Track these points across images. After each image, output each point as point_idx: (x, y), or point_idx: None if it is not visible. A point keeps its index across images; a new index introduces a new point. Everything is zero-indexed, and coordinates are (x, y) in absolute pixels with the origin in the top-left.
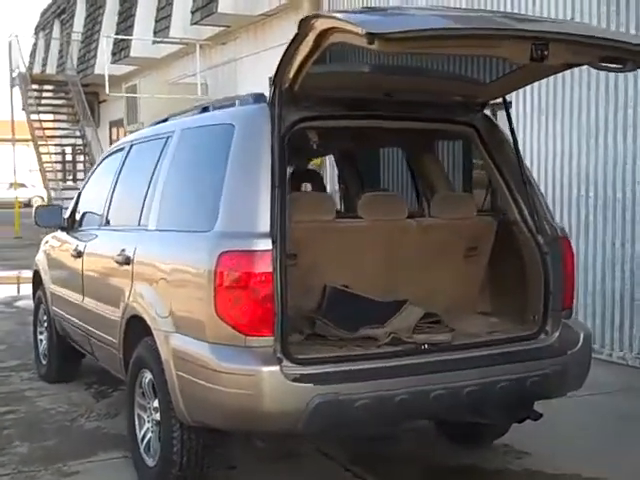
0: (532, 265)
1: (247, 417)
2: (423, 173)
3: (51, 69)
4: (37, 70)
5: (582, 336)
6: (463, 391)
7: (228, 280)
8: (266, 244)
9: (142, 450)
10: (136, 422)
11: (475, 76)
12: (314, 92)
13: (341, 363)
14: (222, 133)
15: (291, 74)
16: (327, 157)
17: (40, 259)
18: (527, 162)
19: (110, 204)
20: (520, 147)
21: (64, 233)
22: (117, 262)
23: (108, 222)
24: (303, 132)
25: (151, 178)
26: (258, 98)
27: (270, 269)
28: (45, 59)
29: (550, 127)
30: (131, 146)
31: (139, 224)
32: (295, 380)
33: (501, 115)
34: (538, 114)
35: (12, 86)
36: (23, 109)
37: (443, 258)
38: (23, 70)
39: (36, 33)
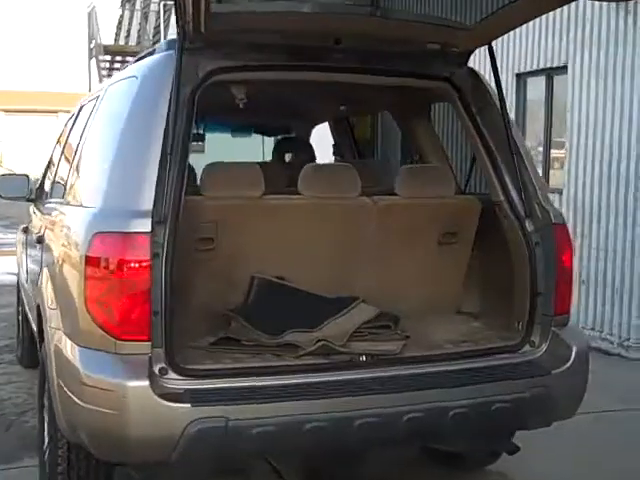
0: (518, 258)
1: (110, 443)
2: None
3: (133, 41)
4: (122, 43)
5: (574, 351)
6: (401, 418)
7: (98, 268)
8: (143, 225)
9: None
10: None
11: (456, 18)
12: (237, 36)
13: (239, 378)
14: (126, 89)
15: (190, 8)
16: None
17: (18, 232)
18: (582, 129)
19: (55, 174)
20: (575, 113)
21: (32, 206)
22: (36, 241)
23: (51, 194)
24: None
25: (77, 145)
26: (171, 44)
27: (147, 256)
28: (129, 31)
29: (609, 91)
30: (80, 107)
31: (62, 197)
32: (170, 399)
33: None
34: (596, 76)
35: (90, 58)
36: (100, 81)
37: (410, 246)
38: (99, 41)
39: (122, 5)
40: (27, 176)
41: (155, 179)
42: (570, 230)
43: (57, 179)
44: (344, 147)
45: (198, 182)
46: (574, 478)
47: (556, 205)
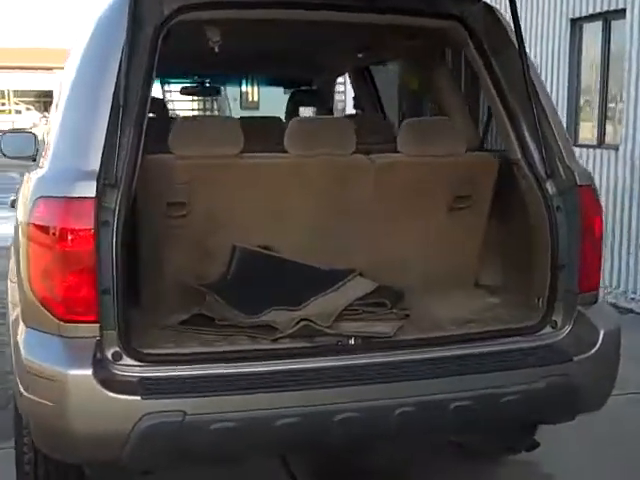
0: (537, 225)
1: (54, 439)
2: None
3: None
4: None
5: (602, 334)
6: (392, 413)
7: (40, 237)
8: (88, 188)
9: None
10: None
11: None
12: None
13: (203, 364)
14: (84, 35)
15: None
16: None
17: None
18: None
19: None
20: (633, 62)
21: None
22: (10, 205)
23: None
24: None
25: (52, 102)
26: None
27: (91, 224)
28: None
29: None
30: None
31: (35, 159)
32: (118, 390)
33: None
34: None
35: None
36: None
37: (416, 212)
38: None
39: None
40: (34, 134)
41: (103, 136)
42: (625, 190)
43: (43, 139)
44: (364, 100)
45: None
46: (606, 471)
47: (611, 163)
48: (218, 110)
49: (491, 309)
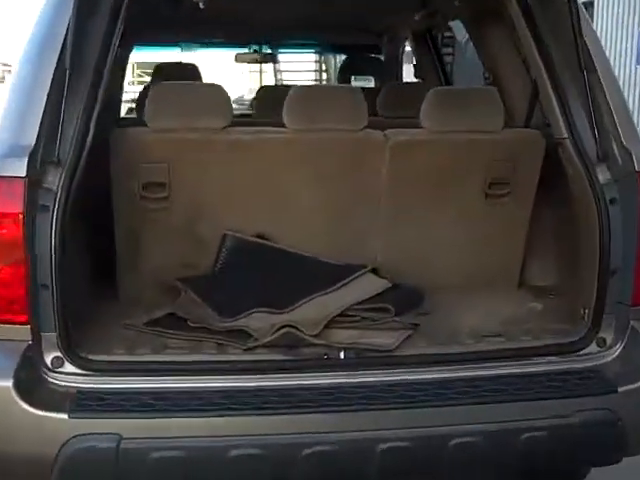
0: (585, 220)
1: None
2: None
3: None
4: None
5: None
6: (374, 449)
7: None
8: (17, 166)
9: None
10: None
11: None
12: None
13: (149, 377)
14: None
15: None
16: None
17: None
18: None
19: None
20: None
21: None
22: None
23: None
24: None
25: None
26: None
27: (19, 209)
28: None
29: None
30: None
31: None
32: (45, 405)
33: None
34: None
35: None
36: None
37: (443, 199)
38: None
39: None
40: None
41: (42, 107)
42: None
43: None
44: (426, 68)
45: None
46: None
47: None
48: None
49: (528, 318)
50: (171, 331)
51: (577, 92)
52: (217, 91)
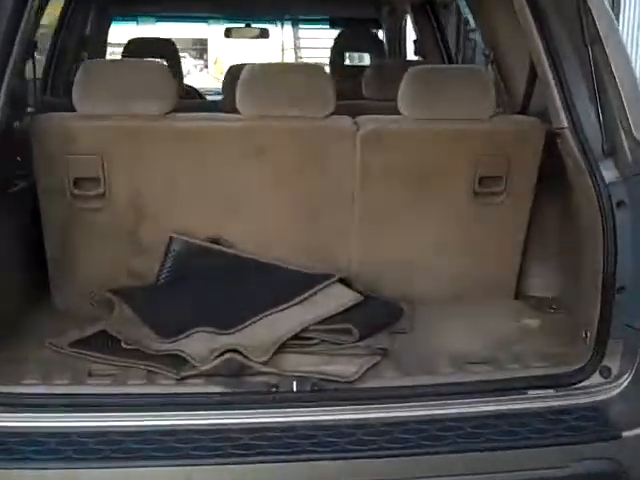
0: (588, 226)
1: None
2: None
3: None
4: None
5: None
6: None
7: None
8: None
9: None
10: None
11: None
12: None
13: (45, 413)
14: None
15: None
16: None
17: None
18: None
19: None
20: None
21: None
22: None
23: None
24: None
25: None
26: None
27: None
28: None
29: None
30: None
31: None
32: None
33: None
34: None
35: None
36: None
37: (424, 196)
38: None
39: None
40: None
41: None
42: None
43: None
44: (426, 44)
45: None
46: None
47: None
48: None
49: (522, 339)
50: (97, 354)
51: (580, 71)
52: (158, 70)
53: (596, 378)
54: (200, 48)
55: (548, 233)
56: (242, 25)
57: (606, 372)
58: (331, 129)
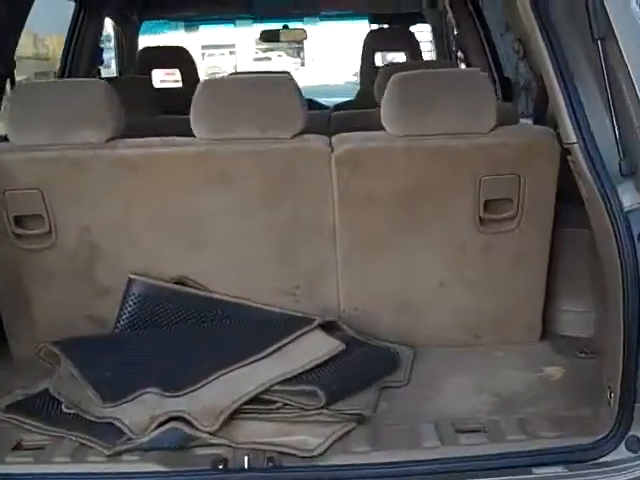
0: (606, 259)
1: None
2: None
3: None
4: None
5: None
6: None
7: None
8: None
9: None
10: None
11: None
12: None
13: None
14: None
15: None
16: None
17: None
18: None
19: None
20: None
21: None
22: None
23: None
24: None
25: None
26: None
27: None
28: None
29: None
30: None
31: None
32: None
33: None
34: None
35: None
36: None
37: (419, 225)
38: None
39: None
40: None
41: None
42: None
43: None
44: (468, 41)
45: None
46: None
47: None
48: None
49: (536, 394)
50: (31, 421)
51: (590, 73)
52: (97, 91)
53: (621, 452)
54: (297, 47)
55: (577, 260)
56: (278, 26)
57: (634, 444)
58: (301, 150)
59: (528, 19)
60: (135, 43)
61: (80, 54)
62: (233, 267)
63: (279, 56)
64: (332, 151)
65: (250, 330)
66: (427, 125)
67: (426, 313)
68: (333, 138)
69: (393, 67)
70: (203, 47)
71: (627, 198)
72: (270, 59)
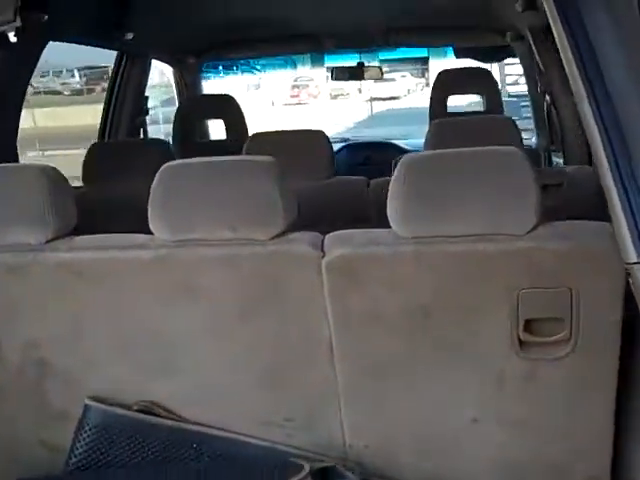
0: None
1: None
2: None
3: None
4: None
5: None
6: None
7: None
8: None
9: None
10: None
11: None
12: None
13: None
14: None
15: None
16: None
17: None
18: None
19: None
20: None
21: None
22: None
23: None
24: None
25: None
26: None
27: None
28: None
29: None
30: None
31: None
32: None
33: None
34: None
35: None
36: None
37: (439, 350)
38: None
39: None
40: None
41: None
42: None
43: None
44: (554, 80)
45: None
46: None
47: None
48: None
49: None
50: None
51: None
52: (36, 179)
53: None
54: (422, 68)
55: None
56: (352, 63)
57: None
58: (282, 255)
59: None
60: (198, 88)
61: (122, 104)
62: (211, 394)
63: (403, 77)
64: (323, 256)
65: (230, 472)
66: (444, 225)
67: (456, 456)
68: (327, 238)
69: (445, 121)
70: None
71: None
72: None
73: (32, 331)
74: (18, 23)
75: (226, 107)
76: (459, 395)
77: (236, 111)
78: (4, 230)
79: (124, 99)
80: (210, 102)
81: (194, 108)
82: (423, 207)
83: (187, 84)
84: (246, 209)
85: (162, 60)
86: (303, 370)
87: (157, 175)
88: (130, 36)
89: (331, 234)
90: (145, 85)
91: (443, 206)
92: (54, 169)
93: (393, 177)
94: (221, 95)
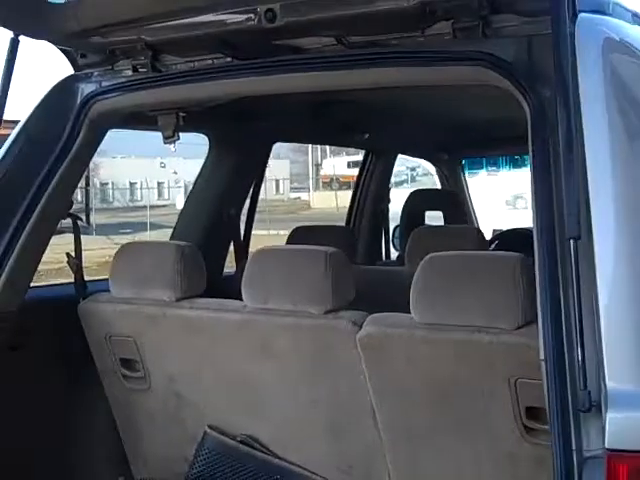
0: None
1: None
2: None
3: None
4: None
5: None
6: None
7: None
8: None
9: None
10: None
11: None
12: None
13: None
14: None
15: None
16: None
17: None
18: None
19: None
20: None
21: None
22: None
23: None
24: None
25: None
26: None
27: None
28: None
29: None
30: None
31: None
32: None
33: None
34: None
35: None
36: None
37: (450, 426)
38: None
39: None
40: None
41: None
42: None
43: None
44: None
45: None
46: None
47: None
48: None
49: None
50: None
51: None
52: (172, 253)
53: None
54: None
55: None
56: None
57: None
58: (328, 328)
59: None
60: (459, 184)
61: (366, 197)
62: (290, 437)
63: None
64: (357, 331)
65: None
66: (448, 313)
67: None
68: (369, 317)
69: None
70: None
71: None
72: None
73: (171, 368)
74: None
75: (447, 200)
76: (480, 474)
77: (455, 204)
78: (149, 287)
79: (367, 194)
80: (435, 195)
81: (421, 200)
82: (430, 296)
83: (446, 176)
84: (309, 286)
85: (413, 156)
86: (355, 426)
87: (255, 252)
88: (366, 136)
89: (374, 314)
90: (388, 180)
91: (446, 297)
92: (183, 246)
93: (415, 276)
94: (445, 190)
